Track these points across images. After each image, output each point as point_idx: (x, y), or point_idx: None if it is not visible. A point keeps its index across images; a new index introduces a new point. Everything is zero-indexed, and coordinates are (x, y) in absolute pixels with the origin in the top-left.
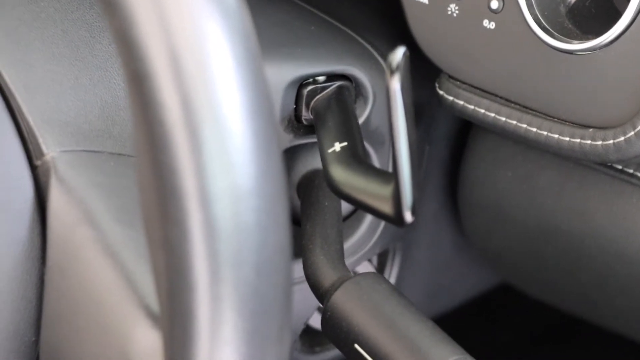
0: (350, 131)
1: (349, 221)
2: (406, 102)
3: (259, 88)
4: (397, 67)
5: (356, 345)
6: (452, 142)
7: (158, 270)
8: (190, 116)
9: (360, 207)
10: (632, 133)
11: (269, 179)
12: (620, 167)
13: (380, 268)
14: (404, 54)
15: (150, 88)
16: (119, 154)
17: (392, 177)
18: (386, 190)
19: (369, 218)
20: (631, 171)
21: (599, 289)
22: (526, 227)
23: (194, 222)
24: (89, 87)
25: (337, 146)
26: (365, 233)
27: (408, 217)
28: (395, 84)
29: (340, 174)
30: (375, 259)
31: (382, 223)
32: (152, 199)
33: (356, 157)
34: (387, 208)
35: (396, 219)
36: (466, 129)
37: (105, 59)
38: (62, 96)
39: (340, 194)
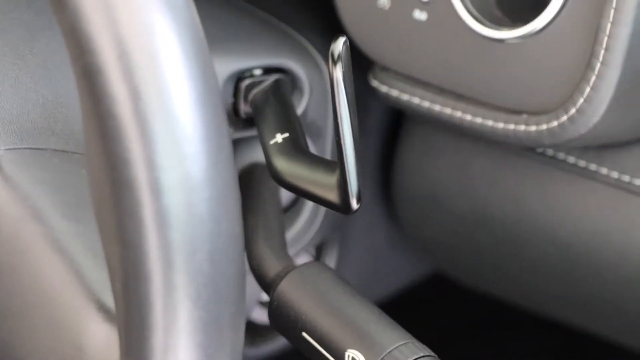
0: (291, 122)
1: (288, 214)
2: (348, 90)
3: (208, 79)
4: (339, 57)
5: (304, 334)
6: (385, 133)
7: (112, 262)
8: (140, 108)
9: (306, 196)
10: (564, 118)
11: (221, 168)
12: (551, 153)
13: (318, 259)
14: (344, 43)
15: (101, 81)
16: (63, 151)
17: (336, 166)
18: (331, 179)
19: (307, 210)
20: (562, 156)
21: (533, 274)
22: (460, 215)
23: (148, 213)
24: (30, 85)
25: (279, 137)
26: (304, 225)
27: (354, 204)
28: (338, 73)
29: (284, 165)
30: (312, 251)
31: (321, 215)
32: (105, 192)
33: (299, 148)
34: (333, 196)
35: (343, 206)
36: (398, 120)
37: (45, 57)
38: (3, 95)
39: (285, 184)
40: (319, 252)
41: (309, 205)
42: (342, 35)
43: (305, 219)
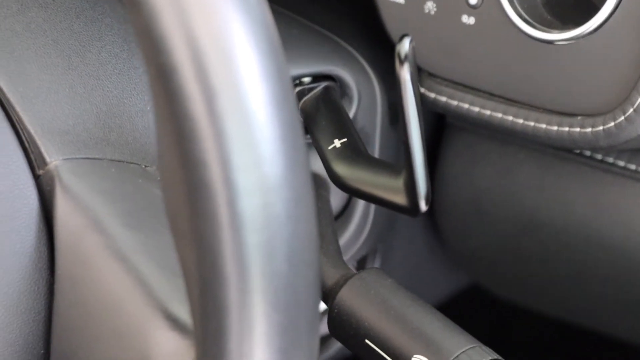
0: (347, 127)
1: (335, 224)
2: (415, 91)
3: (283, 78)
4: (406, 57)
5: (367, 341)
6: (428, 142)
7: (188, 266)
8: (216, 107)
9: (372, 200)
10: (622, 118)
11: (297, 170)
12: (600, 157)
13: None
14: (410, 42)
15: (176, 81)
16: (119, 161)
17: (400, 168)
18: (397, 181)
19: (355, 221)
20: (611, 160)
21: (583, 283)
22: (505, 224)
23: (225, 215)
24: (84, 95)
25: (337, 143)
26: (352, 235)
27: (423, 206)
28: (405, 73)
29: (346, 170)
30: (354, 263)
31: (368, 225)
32: (180, 194)
33: (359, 152)
34: (400, 199)
35: (412, 209)
36: (441, 128)
37: (97, 67)
38: (59, 105)
39: (349, 189)
40: (362, 264)
41: (357, 215)
42: (408, 35)
43: (353, 230)
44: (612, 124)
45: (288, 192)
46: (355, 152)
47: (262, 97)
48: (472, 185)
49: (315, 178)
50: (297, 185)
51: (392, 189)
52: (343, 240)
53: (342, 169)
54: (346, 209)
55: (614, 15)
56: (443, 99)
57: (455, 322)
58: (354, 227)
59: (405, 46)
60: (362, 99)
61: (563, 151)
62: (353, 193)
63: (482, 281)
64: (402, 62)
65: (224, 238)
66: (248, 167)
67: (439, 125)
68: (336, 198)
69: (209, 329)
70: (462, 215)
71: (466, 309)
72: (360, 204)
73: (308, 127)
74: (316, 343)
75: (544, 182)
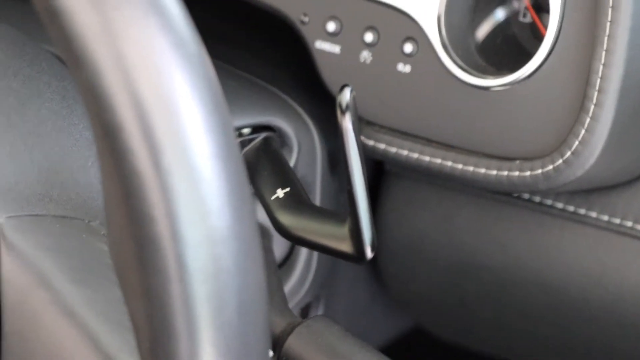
0: (289, 176)
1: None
2: (357, 140)
3: (227, 132)
4: (347, 107)
5: None
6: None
7: (138, 320)
8: (163, 164)
9: (317, 249)
10: (560, 161)
11: (245, 221)
12: (538, 199)
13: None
14: (351, 92)
15: (122, 138)
16: (63, 217)
17: (344, 216)
18: (342, 229)
19: (299, 268)
20: (550, 202)
21: (523, 323)
22: (446, 266)
23: (174, 269)
24: (25, 152)
25: (280, 192)
26: (296, 283)
27: (369, 253)
28: (347, 123)
29: (291, 219)
30: (297, 311)
31: (312, 273)
32: (128, 249)
33: (302, 201)
34: (346, 247)
35: (357, 256)
36: (379, 174)
37: (37, 124)
38: (0, 163)
39: (294, 238)
40: (305, 312)
41: (301, 263)
42: (348, 85)
43: (297, 278)
44: (551, 167)
45: (236, 243)
46: (299, 201)
47: (208, 151)
48: (412, 230)
49: (259, 229)
50: (244, 236)
51: (337, 238)
52: (287, 288)
53: (287, 219)
54: (289, 257)
55: (548, 61)
56: (382, 146)
57: None
58: (297, 274)
59: (346, 96)
60: (301, 148)
61: (501, 195)
62: (299, 242)
63: (425, 324)
64: (343, 112)
65: (173, 291)
66: (195, 220)
67: (378, 171)
68: (279, 246)
69: None
70: (404, 260)
71: (411, 352)
72: (303, 251)
73: (250, 177)
74: None
75: (483, 225)
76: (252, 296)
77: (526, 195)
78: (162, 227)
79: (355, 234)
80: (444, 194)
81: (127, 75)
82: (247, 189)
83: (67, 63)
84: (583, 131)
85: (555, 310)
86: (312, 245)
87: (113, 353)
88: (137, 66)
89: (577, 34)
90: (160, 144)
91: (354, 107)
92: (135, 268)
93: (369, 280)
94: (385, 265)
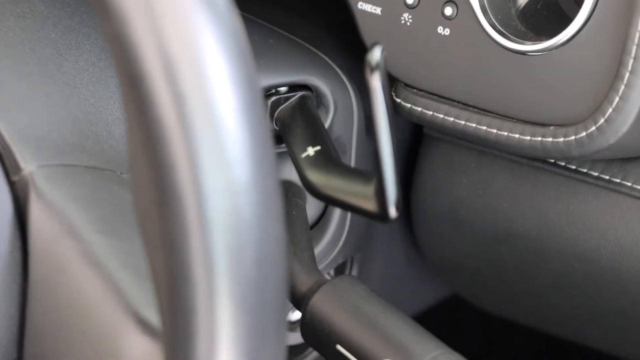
0: (321, 135)
1: (312, 232)
2: (386, 99)
3: (251, 83)
4: (376, 65)
5: (338, 346)
6: (404, 152)
7: (156, 269)
8: (185, 112)
9: (343, 207)
10: (593, 128)
11: (265, 173)
12: (574, 167)
13: None
14: (382, 51)
15: (146, 87)
16: (94, 167)
17: (371, 175)
18: (369, 188)
19: (332, 229)
20: (585, 170)
21: (556, 292)
22: (481, 233)
23: (193, 217)
24: (60, 103)
25: (311, 150)
26: (328, 243)
27: (393, 212)
28: (376, 82)
29: (319, 177)
30: (332, 272)
31: (344, 234)
32: (149, 197)
33: (332, 159)
34: (371, 205)
35: (381, 215)
36: (418, 138)
37: (74, 75)
38: (34, 112)
39: (321, 196)
40: (339, 273)
41: (334, 223)
42: (379, 43)
43: (329, 238)
44: (584, 133)
45: (256, 195)
46: (328, 159)
47: (231, 102)
48: (449, 195)
49: (291, 186)
50: (265, 189)
51: (362, 196)
52: (319, 248)
53: (315, 177)
54: (322, 218)
55: (585, 27)
56: (418, 109)
57: (437, 333)
58: (330, 235)
59: (375, 55)
60: (338, 108)
61: (538, 161)
62: (325, 200)
63: (461, 292)
64: (372, 70)
65: (191, 240)
66: (216, 170)
67: (417, 136)
68: (312, 207)
69: (177, 331)
70: (440, 226)
71: (448, 320)
72: (336, 213)
73: (283, 135)
74: (283, 345)
75: (520, 191)
76: (270, 250)
77: (562, 163)
78: (182, 175)
79: (381, 194)
80: (481, 159)
81: (153, 25)
82: (270, 142)
83: (95, 10)
84: (617, 98)
85: (586, 280)
86: (338, 203)
87: (136, 304)
88: (164, 15)
89: (615, 0)
90: (183, 92)
91: (384, 66)
92: (155, 216)
93: (404, 245)
94: (422, 231)
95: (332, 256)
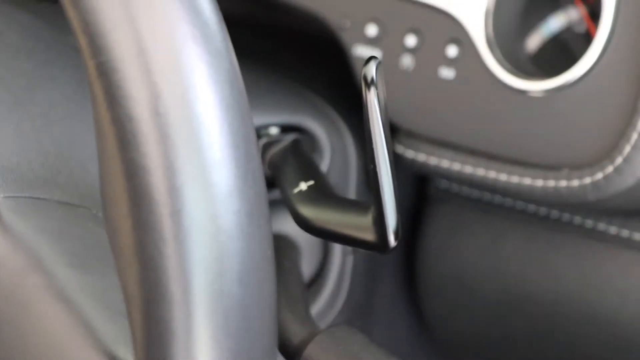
0: (315, 171)
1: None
2: (383, 118)
3: (235, 81)
4: (372, 80)
5: None
6: (407, 215)
7: (129, 288)
8: (161, 108)
9: (338, 240)
10: (610, 169)
11: (250, 179)
12: (590, 225)
13: None
14: (378, 64)
15: (117, 80)
16: (67, 203)
17: (368, 205)
18: (365, 219)
19: (329, 289)
20: (603, 228)
21: (572, 357)
22: (491, 299)
23: (169, 227)
24: (31, 135)
25: (303, 185)
26: (326, 304)
27: (392, 241)
28: (372, 98)
29: (312, 211)
30: None
31: (343, 294)
32: (121, 206)
33: (326, 193)
34: (369, 236)
35: (380, 244)
36: (421, 200)
37: (47, 108)
38: (3, 141)
39: (315, 230)
40: None
41: (331, 283)
42: (375, 57)
43: (327, 298)
44: (601, 175)
45: (240, 203)
46: (322, 193)
47: (211, 99)
48: (455, 259)
49: (285, 240)
50: (249, 196)
51: (359, 227)
52: (316, 307)
53: (307, 210)
54: (319, 276)
55: (599, 63)
56: (422, 157)
57: None
58: (327, 293)
59: (372, 69)
60: (334, 153)
61: (550, 219)
62: (320, 234)
63: None
64: (368, 86)
65: (167, 253)
66: (195, 173)
67: (419, 197)
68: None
69: (152, 357)
70: (446, 292)
71: None
72: (334, 270)
73: (275, 178)
74: None
75: (531, 253)
76: (255, 264)
77: (577, 220)
78: (156, 179)
79: (379, 222)
80: (489, 220)
81: (126, 13)
82: (255, 145)
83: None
84: (636, 135)
85: (607, 346)
86: (334, 237)
87: (108, 341)
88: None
89: (630, 36)
90: (158, 87)
91: (381, 82)
92: (126, 225)
93: (410, 316)
94: (427, 298)
95: (331, 318)
